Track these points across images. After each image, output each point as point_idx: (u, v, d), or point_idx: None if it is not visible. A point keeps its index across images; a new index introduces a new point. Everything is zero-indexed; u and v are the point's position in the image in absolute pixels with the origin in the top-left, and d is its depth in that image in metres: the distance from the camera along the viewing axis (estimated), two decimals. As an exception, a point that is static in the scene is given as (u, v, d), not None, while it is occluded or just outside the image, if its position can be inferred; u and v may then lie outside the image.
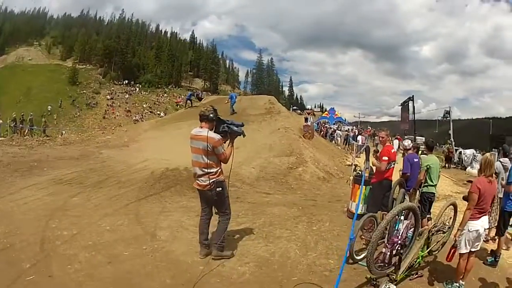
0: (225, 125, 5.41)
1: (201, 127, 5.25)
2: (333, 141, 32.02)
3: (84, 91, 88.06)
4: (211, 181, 5.20)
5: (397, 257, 4.96)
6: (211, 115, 5.25)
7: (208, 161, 5.15)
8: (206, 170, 5.19)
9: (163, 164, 12.60)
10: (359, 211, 7.10)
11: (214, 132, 5.27)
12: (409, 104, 32.11)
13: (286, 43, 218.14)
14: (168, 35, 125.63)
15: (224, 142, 5.29)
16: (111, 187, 10.11)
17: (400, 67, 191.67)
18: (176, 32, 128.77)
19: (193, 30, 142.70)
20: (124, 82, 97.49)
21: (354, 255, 5.52)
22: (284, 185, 12.10)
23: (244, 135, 5.53)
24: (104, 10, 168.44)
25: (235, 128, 5.45)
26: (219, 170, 5.29)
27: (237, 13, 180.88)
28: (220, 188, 5.26)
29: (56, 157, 15.12)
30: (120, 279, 4.82)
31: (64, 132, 33.61)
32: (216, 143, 5.11)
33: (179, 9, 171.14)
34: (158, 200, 8.83)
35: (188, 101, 31.24)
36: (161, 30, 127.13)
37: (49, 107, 74.60)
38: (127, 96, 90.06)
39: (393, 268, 4.96)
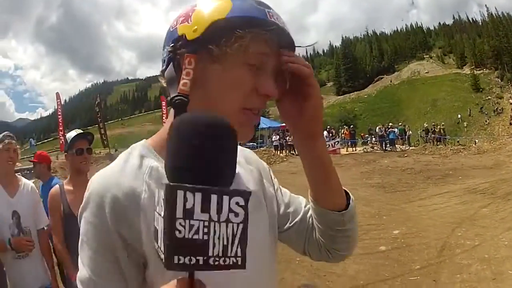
0: None
1: None
2: None
3: (489, 97, 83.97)
4: None
5: None
6: None
7: None
8: None
9: None
10: None
11: None
12: None
13: None
14: None
15: None
16: None
17: None
18: None
19: None
20: None
21: None
22: None
23: None
24: (471, 11, 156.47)
25: None
26: None
27: None
28: None
29: (471, 166, 15.68)
30: None
31: (477, 141, 33.00)
32: None
33: None
34: None
35: None
36: None
37: (459, 115, 75.16)
38: None
39: None
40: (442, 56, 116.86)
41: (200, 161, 0.55)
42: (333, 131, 32.68)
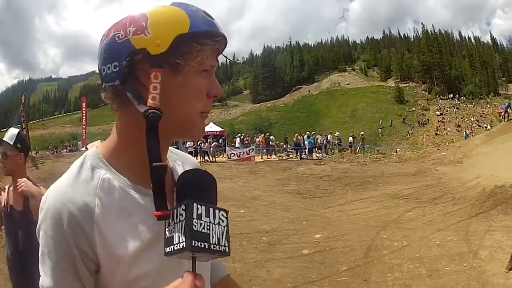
0: None
1: None
2: None
3: (413, 109, 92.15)
4: None
5: None
6: None
7: None
8: None
9: (493, 181, 12.55)
10: None
11: None
12: None
13: None
14: (472, 40, 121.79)
15: None
16: (446, 203, 10.52)
17: None
18: (478, 36, 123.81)
19: (490, 31, 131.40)
20: (450, 96, 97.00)
21: None
22: None
23: None
24: (405, 27, 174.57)
25: None
26: None
27: None
28: None
29: (392, 173, 16.74)
30: None
31: (398, 149, 35.26)
32: None
33: (469, 10, 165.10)
34: (486, 218, 8.95)
35: (505, 113, 29.03)
36: (465, 37, 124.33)
37: (380, 125, 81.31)
38: (455, 110, 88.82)
39: None
40: (366, 69, 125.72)
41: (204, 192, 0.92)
42: (248, 139, 33.14)
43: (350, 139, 32.57)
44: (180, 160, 1.14)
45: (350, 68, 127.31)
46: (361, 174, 16.65)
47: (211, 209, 0.83)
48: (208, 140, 29.13)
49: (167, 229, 0.84)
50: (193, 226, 0.78)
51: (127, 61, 0.87)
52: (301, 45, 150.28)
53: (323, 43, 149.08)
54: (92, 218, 0.88)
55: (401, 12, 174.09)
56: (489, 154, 18.60)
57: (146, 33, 0.86)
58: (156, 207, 0.87)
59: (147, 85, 0.87)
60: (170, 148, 1.11)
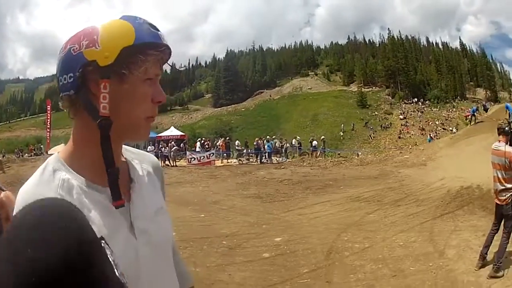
0: None
1: (499, 141, 5.59)
2: None
3: (376, 113, 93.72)
4: (509, 194, 5.43)
5: None
6: (506, 128, 5.56)
7: (506, 176, 5.44)
8: (505, 185, 5.46)
9: (458, 182, 12.79)
10: None
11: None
12: None
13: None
14: (440, 46, 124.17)
15: None
16: (409, 205, 10.68)
17: None
18: (446, 42, 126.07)
19: (459, 37, 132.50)
20: (414, 101, 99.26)
21: None
22: None
23: None
24: (370, 33, 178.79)
25: None
26: None
27: (487, 8, 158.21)
28: None
29: (353, 176, 16.91)
30: None
31: (360, 153, 35.89)
32: None
33: (438, 17, 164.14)
34: (452, 218, 9.11)
35: (472, 117, 29.73)
36: (432, 42, 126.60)
37: (341, 129, 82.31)
38: (419, 114, 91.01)
39: None
40: (329, 74, 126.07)
41: None
42: (209, 143, 33.01)
43: (315, 142, 32.84)
44: (137, 159, 1.20)
45: (313, 73, 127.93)
46: (321, 178, 16.72)
47: None
48: (169, 144, 28.89)
49: None
50: None
51: (80, 73, 0.96)
52: (264, 49, 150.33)
53: (287, 47, 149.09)
54: None
55: (368, 18, 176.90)
56: (455, 156, 18.98)
57: (96, 46, 0.95)
58: (113, 199, 0.97)
59: (98, 95, 0.96)
60: (128, 148, 1.20)
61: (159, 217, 1.13)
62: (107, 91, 0.95)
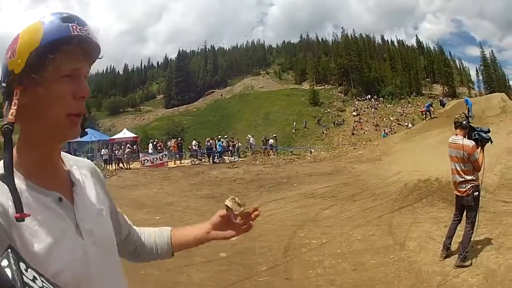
0: (476, 132, 5.80)
1: (456, 135, 5.78)
2: None
3: (328, 110, 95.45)
4: (469, 186, 5.63)
5: None
6: (463, 122, 5.73)
7: (465, 168, 5.63)
8: (464, 177, 5.65)
9: (416, 176, 13.01)
10: None
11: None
12: None
13: (498, 31, 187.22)
14: (396, 44, 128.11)
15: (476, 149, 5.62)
16: (365, 199, 10.78)
17: None
18: (402, 40, 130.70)
19: (416, 35, 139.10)
20: (367, 97, 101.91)
21: None
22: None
23: (491, 141, 5.87)
24: (324, 31, 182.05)
25: (484, 135, 5.78)
26: (476, 177, 5.68)
27: (448, 6, 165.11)
28: (477, 193, 5.67)
29: (307, 173, 16.98)
30: (360, 285, 5.26)
31: (313, 150, 36.14)
32: (471, 150, 5.52)
33: (395, 16, 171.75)
34: (410, 211, 9.17)
35: (427, 112, 30.57)
36: (387, 40, 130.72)
37: (294, 127, 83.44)
38: (373, 110, 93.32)
39: None
40: (280, 73, 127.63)
41: None
42: (161, 144, 32.56)
43: (271, 141, 32.93)
44: (76, 165, 1.21)
45: (264, 72, 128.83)
46: (274, 176, 16.79)
47: None
48: (122, 147, 28.33)
49: None
50: None
51: (6, 83, 0.99)
52: (216, 49, 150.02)
53: (239, 47, 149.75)
54: (8, 217, 0.92)
55: (321, 17, 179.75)
56: (410, 150, 19.29)
57: (14, 55, 0.97)
58: (16, 210, 0.91)
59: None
60: (66, 155, 1.21)
61: (101, 219, 1.15)
62: (17, 98, 0.96)
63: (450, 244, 5.89)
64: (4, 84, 0.99)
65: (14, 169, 0.97)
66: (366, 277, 5.42)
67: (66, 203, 1.06)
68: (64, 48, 0.97)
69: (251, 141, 32.32)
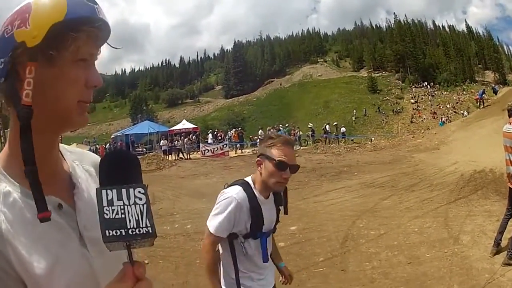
0: None
1: (510, 123, 5.34)
2: None
3: (387, 98, 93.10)
4: None
5: None
6: None
7: None
8: None
9: (471, 166, 12.74)
10: None
11: None
12: None
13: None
14: (447, 29, 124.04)
15: None
16: (423, 190, 10.61)
17: None
18: (453, 25, 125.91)
19: (465, 20, 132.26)
20: (424, 84, 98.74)
21: None
22: None
23: None
24: (377, 17, 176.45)
25: None
26: None
27: None
28: None
29: (367, 162, 16.97)
30: (413, 279, 5.20)
31: (373, 138, 35.73)
32: None
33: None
34: (466, 203, 8.99)
35: (481, 100, 29.61)
36: (439, 26, 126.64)
37: (353, 115, 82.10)
38: (430, 98, 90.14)
39: None
40: (338, 60, 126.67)
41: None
42: (222, 135, 33.14)
43: (343, 129, 32.59)
44: (77, 160, 1.11)
45: (322, 60, 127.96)
46: (335, 164, 16.74)
47: (123, 190, 0.77)
48: (182, 137, 29.07)
49: None
50: (105, 215, 0.75)
51: (9, 57, 0.85)
52: (272, 38, 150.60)
53: (294, 35, 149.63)
54: (2, 235, 0.84)
55: (373, 3, 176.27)
56: (466, 140, 18.80)
57: (26, 26, 0.84)
58: (38, 209, 0.83)
59: (24, 81, 0.85)
60: (66, 147, 1.11)
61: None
62: (32, 76, 0.84)
63: (500, 239, 5.65)
64: (7, 58, 0.85)
65: (5, 174, 0.90)
66: (420, 271, 5.40)
67: (66, 209, 0.95)
68: (87, 29, 0.88)
69: (327, 128, 31.98)
